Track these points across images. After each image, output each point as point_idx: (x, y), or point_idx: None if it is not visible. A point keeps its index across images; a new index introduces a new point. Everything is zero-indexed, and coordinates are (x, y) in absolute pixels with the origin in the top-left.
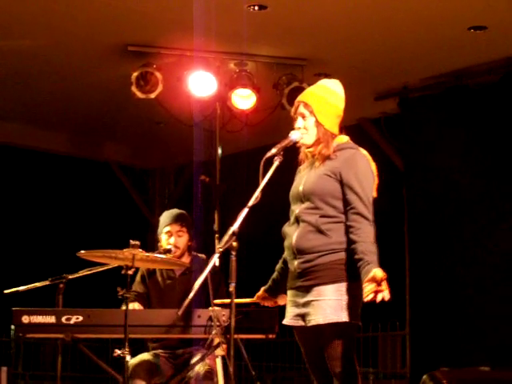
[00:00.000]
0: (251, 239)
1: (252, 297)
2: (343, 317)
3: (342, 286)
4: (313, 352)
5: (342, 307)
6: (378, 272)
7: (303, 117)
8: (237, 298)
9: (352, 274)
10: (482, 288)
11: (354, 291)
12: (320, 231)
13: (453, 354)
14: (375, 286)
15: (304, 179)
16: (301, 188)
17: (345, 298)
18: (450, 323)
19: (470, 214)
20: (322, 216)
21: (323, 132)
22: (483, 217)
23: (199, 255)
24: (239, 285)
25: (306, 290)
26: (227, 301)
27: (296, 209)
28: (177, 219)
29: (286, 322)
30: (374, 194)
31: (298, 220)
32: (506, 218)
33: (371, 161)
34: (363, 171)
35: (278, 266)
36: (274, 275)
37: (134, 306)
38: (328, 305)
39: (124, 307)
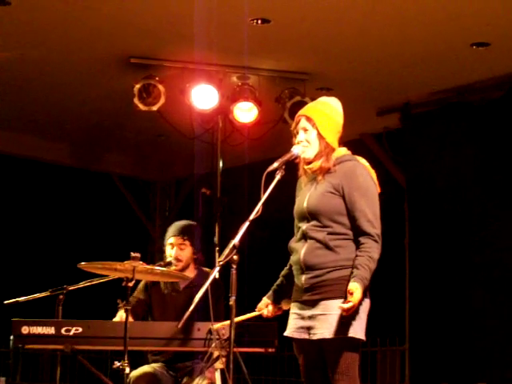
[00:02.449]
0: (252, 253)
1: (252, 311)
2: (349, 332)
3: None
4: (312, 366)
5: (348, 322)
6: (350, 286)
7: (305, 130)
8: (237, 312)
9: None
10: (482, 304)
11: (361, 307)
12: (328, 247)
13: (452, 369)
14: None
15: (307, 196)
16: (305, 205)
17: (351, 313)
18: (449, 339)
19: (472, 230)
20: (330, 233)
21: (325, 145)
22: (485, 232)
23: (204, 269)
24: (239, 298)
25: (313, 303)
26: (226, 323)
27: (303, 225)
28: (180, 231)
29: (288, 333)
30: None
31: (305, 236)
32: (508, 232)
33: (371, 169)
34: (365, 184)
35: (284, 272)
36: (279, 281)
37: (122, 316)
38: (334, 319)
39: (115, 318)
